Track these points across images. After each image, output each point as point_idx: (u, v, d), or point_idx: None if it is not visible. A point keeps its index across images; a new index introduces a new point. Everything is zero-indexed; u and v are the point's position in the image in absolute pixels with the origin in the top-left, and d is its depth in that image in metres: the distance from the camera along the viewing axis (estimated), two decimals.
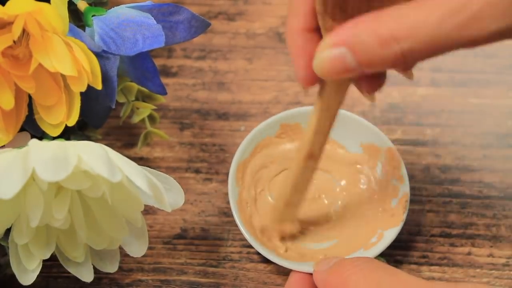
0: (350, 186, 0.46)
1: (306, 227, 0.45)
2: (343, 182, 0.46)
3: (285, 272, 0.44)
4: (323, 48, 0.32)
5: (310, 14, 0.33)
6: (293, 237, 0.44)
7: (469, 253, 0.45)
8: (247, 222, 0.43)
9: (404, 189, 0.44)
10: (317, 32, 0.34)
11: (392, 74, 0.52)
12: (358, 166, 0.46)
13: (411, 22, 0.29)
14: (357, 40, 0.30)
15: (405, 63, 0.30)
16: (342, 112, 0.46)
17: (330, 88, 0.36)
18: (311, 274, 0.40)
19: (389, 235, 0.42)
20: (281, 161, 0.47)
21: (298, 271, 0.41)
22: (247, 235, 0.42)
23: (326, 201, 0.46)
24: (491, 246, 0.45)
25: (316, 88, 0.36)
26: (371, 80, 0.35)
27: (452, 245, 0.45)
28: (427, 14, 0.29)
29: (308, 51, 0.34)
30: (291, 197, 0.41)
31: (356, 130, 0.46)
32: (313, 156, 0.39)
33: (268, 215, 0.44)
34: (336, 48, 0.31)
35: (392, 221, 0.43)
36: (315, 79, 0.35)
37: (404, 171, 0.44)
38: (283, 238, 0.44)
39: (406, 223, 0.43)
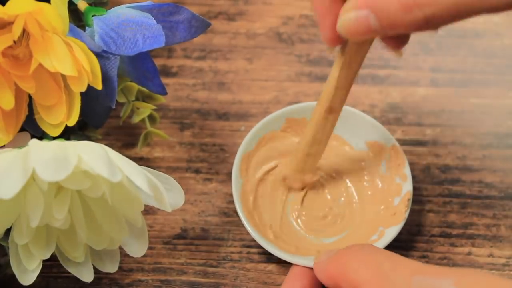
0: (354, 183, 0.46)
1: (326, 174, 0.46)
2: (347, 179, 0.46)
3: (285, 272, 0.44)
4: (347, 10, 0.33)
5: None
6: (312, 185, 0.45)
7: (469, 253, 0.45)
8: (249, 213, 0.43)
9: (407, 187, 0.44)
10: None
11: (392, 74, 0.52)
12: (363, 163, 0.47)
13: None
14: (380, 4, 0.31)
15: (427, 28, 0.31)
16: (348, 109, 0.46)
17: (353, 45, 0.37)
18: (311, 268, 0.40)
19: (390, 233, 0.42)
20: (286, 155, 0.47)
21: (298, 265, 0.41)
22: (248, 227, 0.42)
23: (329, 197, 0.46)
24: (491, 246, 0.45)
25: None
26: (396, 38, 0.35)
27: (452, 245, 0.45)
28: None
29: (334, 12, 0.35)
30: (310, 149, 0.43)
31: (362, 127, 0.46)
32: (333, 110, 0.40)
33: (288, 165, 0.45)
34: (360, 10, 0.32)
35: (393, 219, 0.43)
36: (339, 39, 0.36)
37: (407, 170, 0.44)
38: (303, 187, 0.45)
39: (406, 223, 0.43)
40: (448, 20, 0.31)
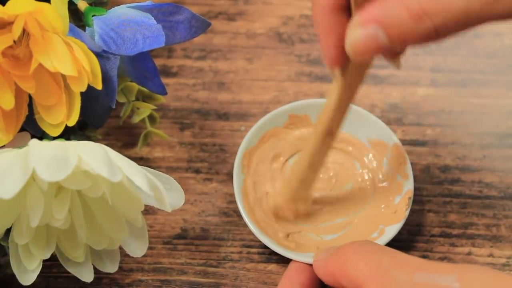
0: (355, 181, 0.46)
1: (319, 207, 0.45)
2: (350, 177, 0.47)
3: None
4: (354, 26, 0.32)
5: None
6: (306, 216, 0.44)
7: (469, 253, 0.45)
8: (250, 209, 0.44)
9: (408, 186, 0.44)
10: (345, 11, 0.33)
11: (392, 74, 0.52)
12: (365, 160, 0.47)
13: None
14: (388, 16, 0.30)
15: (437, 37, 0.30)
16: (352, 106, 0.46)
17: (353, 66, 0.35)
18: (310, 264, 0.40)
19: (390, 231, 0.42)
20: (288, 150, 0.47)
21: (298, 261, 0.41)
22: (249, 222, 0.42)
23: None
24: (491, 246, 0.45)
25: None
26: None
27: (452, 245, 0.45)
28: None
29: (337, 30, 0.34)
30: (305, 174, 0.41)
31: (365, 125, 0.46)
32: (330, 133, 0.39)
33: (280, 194, 0.44)
34: (367, 25, 0.31)
35: (394, 217, 0.43)
36: (342, 58, 0.35)
37: (409, 168, 0.44)
38: (296, 217, 0.44)
39: (406, 223, 0.43)
40: (457, 28, 0.30)
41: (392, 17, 0.30)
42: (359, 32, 0.31)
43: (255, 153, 0.46)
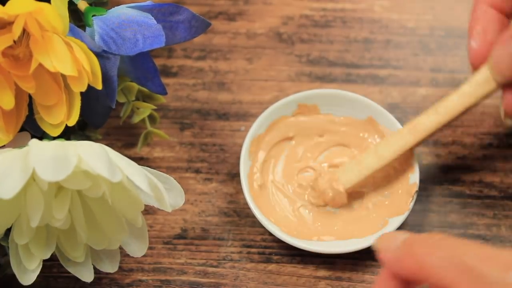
0: None
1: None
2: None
3: (285, 272, 0.44)
4: (505, 38, 0.31)
5: None
6: (337, 205, 0.45)
7: None
8: (254, 194, 0.44)
9: (414, 179, 0.44)
10: (504, 15, 0.33)
11: (392, 74, 0.52)
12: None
13: None
14: None
15: None
16: (361, 98, 0.47)
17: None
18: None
19: (393, 223, 0.43)
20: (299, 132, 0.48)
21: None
22: (253, 207, 0.43)
23: None
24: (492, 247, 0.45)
25: None
26: None
27: None
28: None
29: (488, 29, 0.34)
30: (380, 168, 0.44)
31: (374, 116, 0.47)
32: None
33: (340, 176, 0.44)
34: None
35: (398, 210, 0.44)
36: (484, 58, 0.34)
37: (415, 162, 0.45)
38: (326, 203, 0.45)
39: (406, 223, 0.43)
40: None
41: None
42: (506, 47, 0.31)
43: (263, 140, 0.46)
